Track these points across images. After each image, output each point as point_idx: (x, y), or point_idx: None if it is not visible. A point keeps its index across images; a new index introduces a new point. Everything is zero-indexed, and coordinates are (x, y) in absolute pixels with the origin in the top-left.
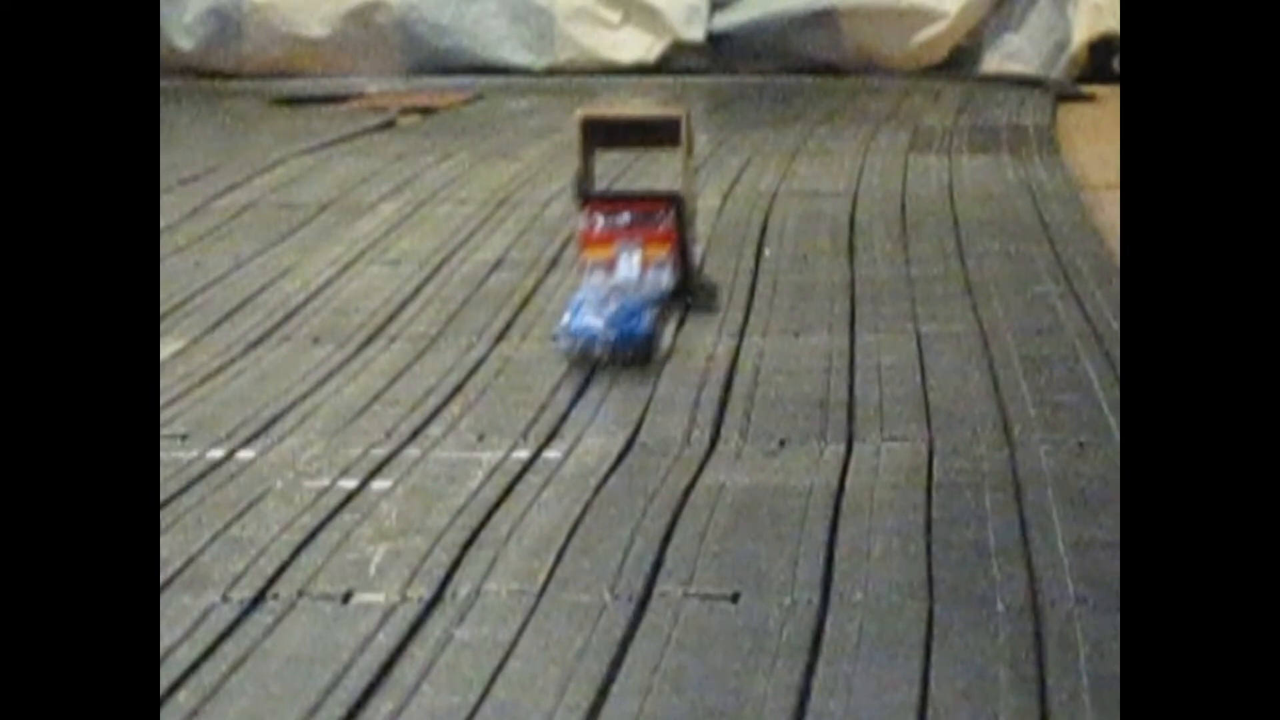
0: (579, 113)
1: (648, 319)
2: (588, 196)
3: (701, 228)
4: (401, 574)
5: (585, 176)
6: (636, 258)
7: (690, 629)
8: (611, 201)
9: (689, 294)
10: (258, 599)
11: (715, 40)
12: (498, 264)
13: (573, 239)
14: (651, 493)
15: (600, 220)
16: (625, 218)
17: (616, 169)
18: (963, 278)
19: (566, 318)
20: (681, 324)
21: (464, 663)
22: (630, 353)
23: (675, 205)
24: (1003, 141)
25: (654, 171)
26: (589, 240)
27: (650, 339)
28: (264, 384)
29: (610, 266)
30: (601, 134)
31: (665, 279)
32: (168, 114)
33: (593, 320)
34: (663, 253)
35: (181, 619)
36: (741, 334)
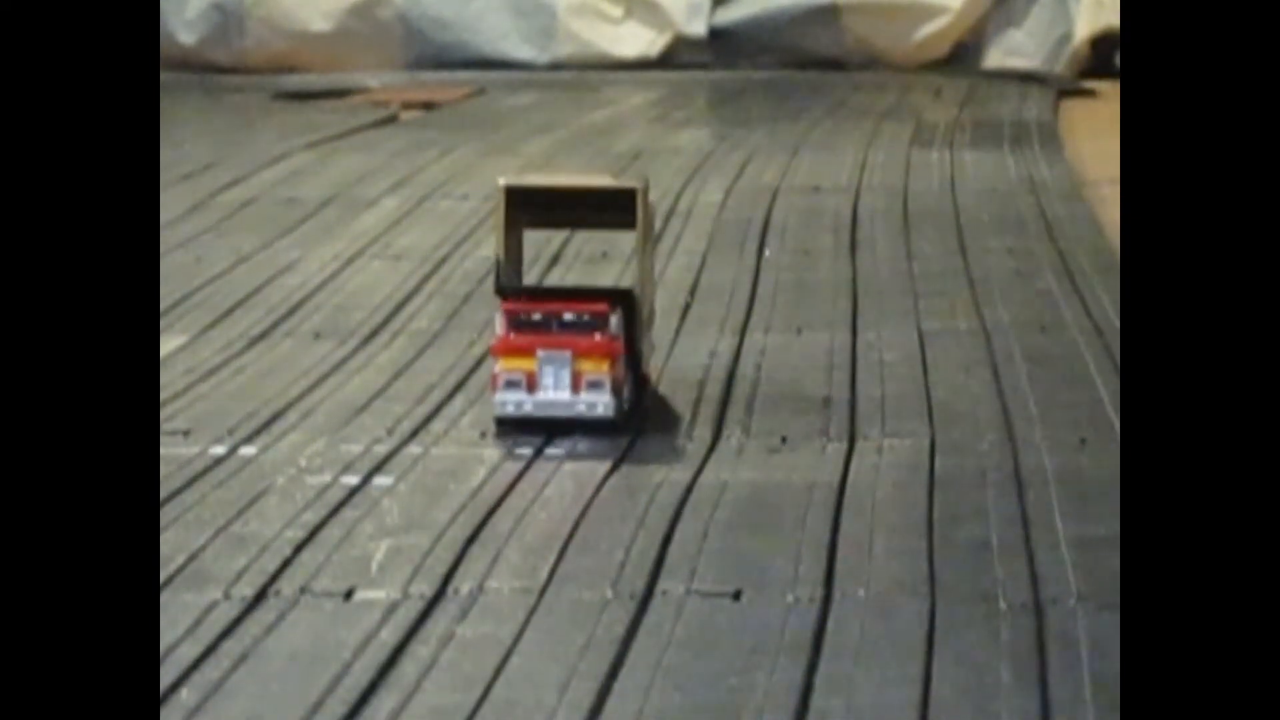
0: (501, 181)
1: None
2: (508, 290)
3: (704, 225)
4: (404, 571)
5: (507, 263)
6: (565, 374)
7: (692, 626)
8: (539, 299)
9: (635, 421)
10: (259, 596)
11: (717, 35)
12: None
13: (576, 234)
14: (653, 490)
15: (521, 322)
16: (554, 321)
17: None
18: (965, 273)
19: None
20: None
21: (466, 660)
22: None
23: (623, 306)
24: (1005, 137)
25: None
26: (504, 349)
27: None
28: (266, 380)
29: (529, 384)
30: (531, 208)
31: (602, 404)
32: (168, 109)
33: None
34: (601, 369)
35: (183, 616)
36: (743, 331)
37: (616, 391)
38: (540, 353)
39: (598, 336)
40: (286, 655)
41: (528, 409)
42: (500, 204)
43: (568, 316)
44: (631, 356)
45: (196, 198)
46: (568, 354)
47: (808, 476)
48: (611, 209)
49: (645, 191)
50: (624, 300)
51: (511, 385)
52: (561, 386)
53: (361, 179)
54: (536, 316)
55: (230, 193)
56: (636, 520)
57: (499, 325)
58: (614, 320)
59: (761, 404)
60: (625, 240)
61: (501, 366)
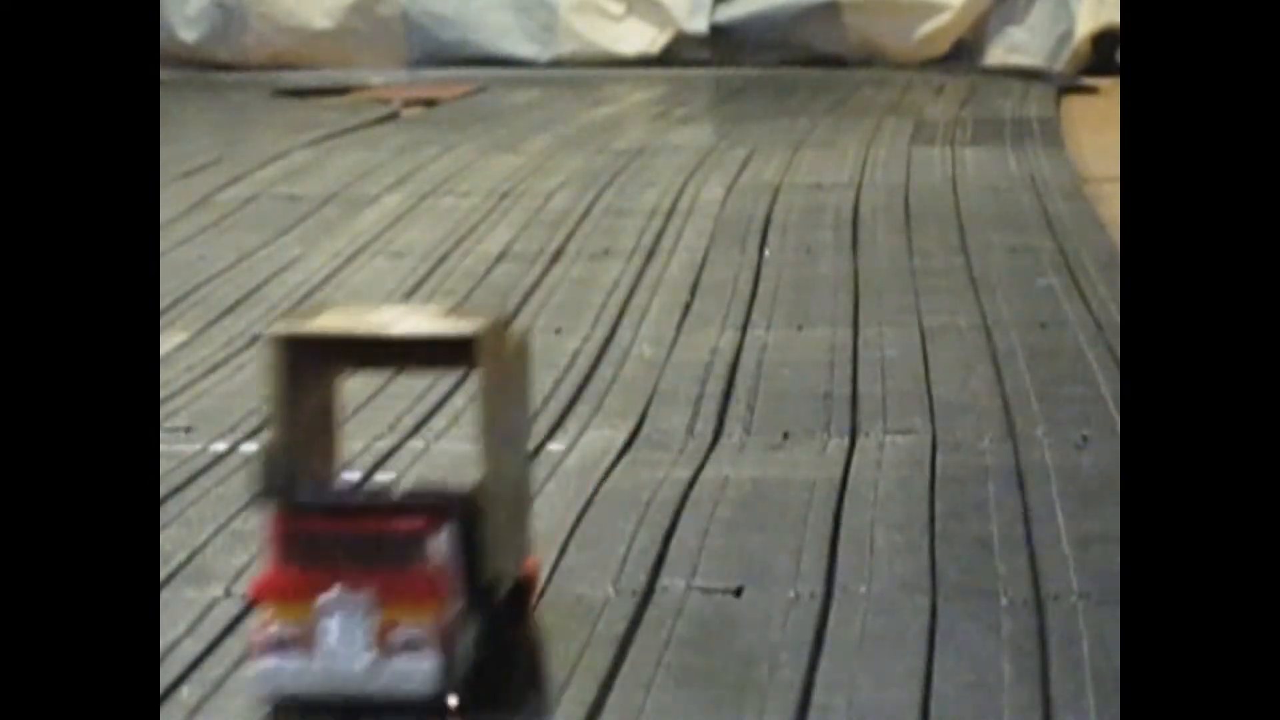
0: (272, 330)
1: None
2: (285, 497)
3: (705, 223)
4: None
5: (293, 449)
6: (360, 629)
7: (693, 623)
8: (327, 515)
9: (482, 692)
10: None
11: (718, 32)
12: (501, 256)
13: (577, 231)
14: (654, 486)
15: (300, 548)
16: (346, 546)
17: None
18: (966, 270)
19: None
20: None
21: None
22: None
23: (459, 521)
24: (1006, 134)
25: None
26: (271, 589)
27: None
28: None
29: (305, 641)
30: (317, 367)
31: (422, 671)
32: (170, 106)
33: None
34: (420, 620)
35: (184, 613)
36: (744, 327)
37: (446, 650)
38: (328, 594)
39: (413, 571)
40: None
41: (306, 682)
42: (273, 362)
43: (368, 538)
44: (474, 593)
45: (197, 195)
46: (365, 598)
47: (809, 473)
48: (453, 360)
49: (496, 336)
50: (461, 509)
51: (282, 647)
52: (355, 649)
53: (363, 176)
54: (322, 538)
55: (231, 190)
56: (638, 517)
57: (271, 554)
58: (439, 542)
59: (763, 401)
60: (626, 239)
61: (268, 617)
